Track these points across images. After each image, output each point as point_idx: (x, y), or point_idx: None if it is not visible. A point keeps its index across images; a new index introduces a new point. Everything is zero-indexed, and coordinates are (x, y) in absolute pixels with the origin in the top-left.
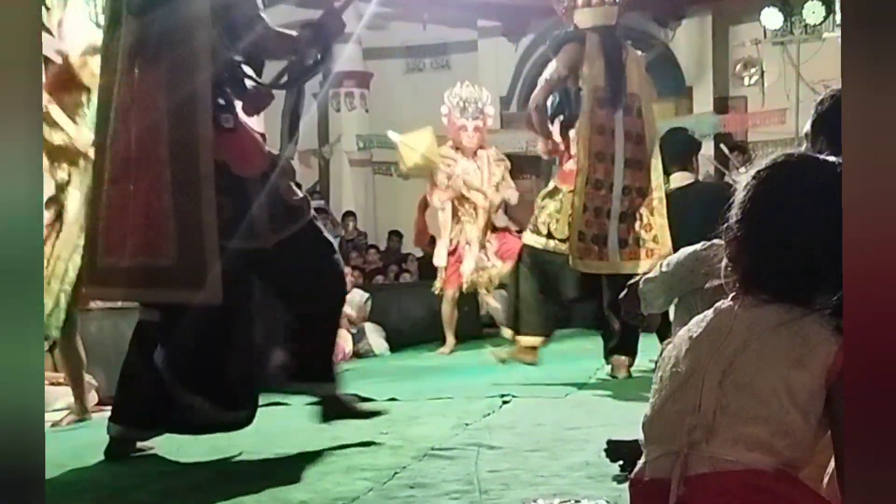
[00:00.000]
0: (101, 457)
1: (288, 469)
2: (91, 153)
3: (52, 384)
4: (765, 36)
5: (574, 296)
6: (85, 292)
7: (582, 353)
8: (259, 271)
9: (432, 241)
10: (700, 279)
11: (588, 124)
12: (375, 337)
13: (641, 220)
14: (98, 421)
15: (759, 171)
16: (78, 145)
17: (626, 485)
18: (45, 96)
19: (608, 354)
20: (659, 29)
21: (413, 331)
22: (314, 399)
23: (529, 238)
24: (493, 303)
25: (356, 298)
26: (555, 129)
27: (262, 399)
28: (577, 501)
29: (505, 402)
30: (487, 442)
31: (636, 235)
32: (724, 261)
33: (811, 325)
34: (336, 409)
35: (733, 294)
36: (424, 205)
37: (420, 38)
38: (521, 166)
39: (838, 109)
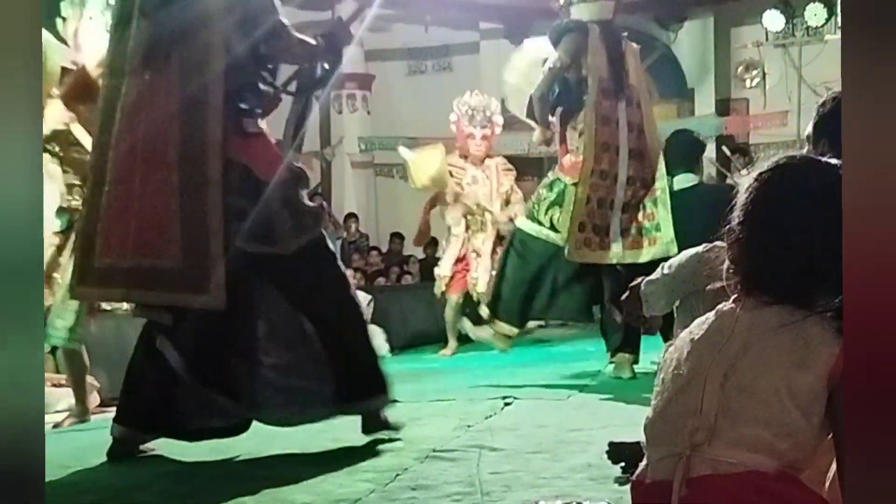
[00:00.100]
0: (103, 458)
1: (289, 470)
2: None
3: (54, 385)
4: (766, 38)
5: (562, 287)
6: (77, 290)
7: (584, 355)
8: (277, 277)
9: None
10: (702, 281)
11: (594, 115)
12: (377, 338)
13: (644, 210)
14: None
15: (760, 174)
16: None
17: (627, 487)
18: (68, 114)
19: (612, 352)
20: (661, 31)
21: (414, 332)
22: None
23: (524, 223)
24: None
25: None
26: (554, 119)
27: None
28: (578, 503)
29: (507, 404)
30: (489, 443)
31: (639, 225)
32: (726, 262)
33: (813, 326)
34: (377, 422)
35: (735, 296)
36: (431, 205)
37: (422, 40)
38: (522, 168)
39: (840, 112)
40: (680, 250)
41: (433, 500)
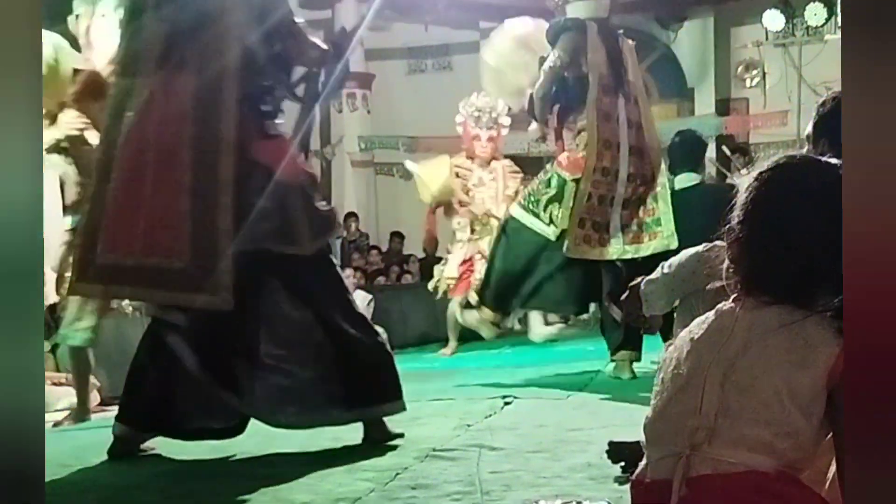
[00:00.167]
0: (103, 457)
1: (289, 469)
2: None
3: (54, 384)
4: (766, 38)
5: (547, 277)
6: (77, 286)
7: (584, 355)
8: (296, 277)
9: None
10: (702, 280)
11: (595, 112)
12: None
13: (645, 206)
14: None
15: (760, 173)
16: None
17: (627, 486)
18: (82, 120)
19: (613, 351)
20: (661, 31)
21: (414, 332)
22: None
23: (518, 212)
24: None
25: (358, 300)
26: (551, 116)
27: None
28: (578, 503)
29: (507, 404)
30: (489, 443)
31: (639, 221)
32: (726, 262)
33: (813, 326)
34: (381, 433)
35: (735, 296)
36: (433, 210)
37: (422, 39)
38: (522, 167)
39: (840, 111)
40: (681, 249)
41: (433, 500)
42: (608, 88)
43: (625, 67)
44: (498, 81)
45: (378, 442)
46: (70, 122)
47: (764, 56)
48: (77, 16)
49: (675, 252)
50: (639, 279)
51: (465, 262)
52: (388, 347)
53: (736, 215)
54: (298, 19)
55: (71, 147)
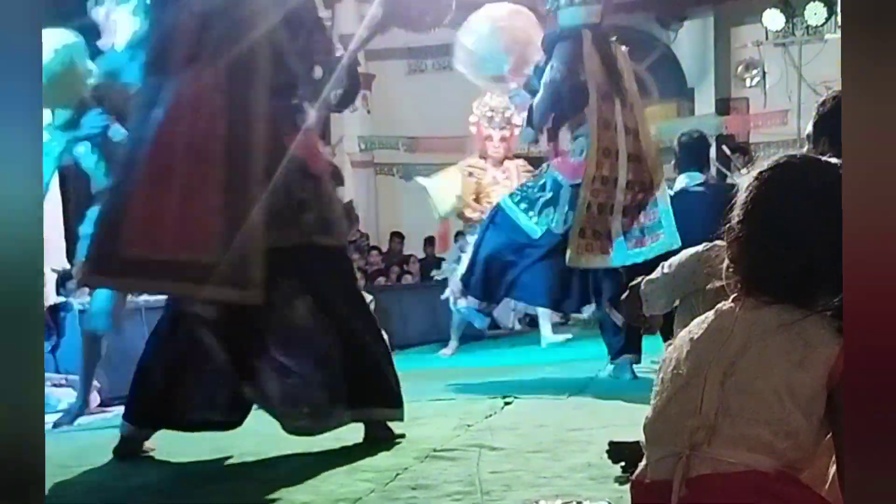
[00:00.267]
0: (102, 458)
1: (290, 470)
2: None
3: (54, 385)
4: (766, 37)
5: (528, 269)
6: (93, 278)
7: (584, 355)
8: (333, 267)
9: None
10: (702, 280)
11: (595, 120)
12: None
13: (645, 211)
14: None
15: (760, 173)
16: None
17: (627, 486)
18: (105, 116)
19: (614, 356)
20: (661, 30)
21: (415, 332)
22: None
23: (508, 204)
24: None
25: None
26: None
27: None
28: (579, 503)
29: (507, 404)
30: (489, 443)
31: (640, 226)
32: (726, 262)
33: (812, 326)
34: (382, 433)
35: (734, 295)
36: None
37: (422, 39)
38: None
39: (840, 111)
40: (684, 248)
41: (433, 500)
42: (606, 96)
43: (620, 74)
44: (473, 64)
45: (378, 442)
46: (93, 118)
47: (764, 55)
48: (97, 1)
49: (677, 251)
50: (639, 279)
51: None
52: (391, 357)
53: (736, 215)
54: (322, 13)
55: (97, 141)
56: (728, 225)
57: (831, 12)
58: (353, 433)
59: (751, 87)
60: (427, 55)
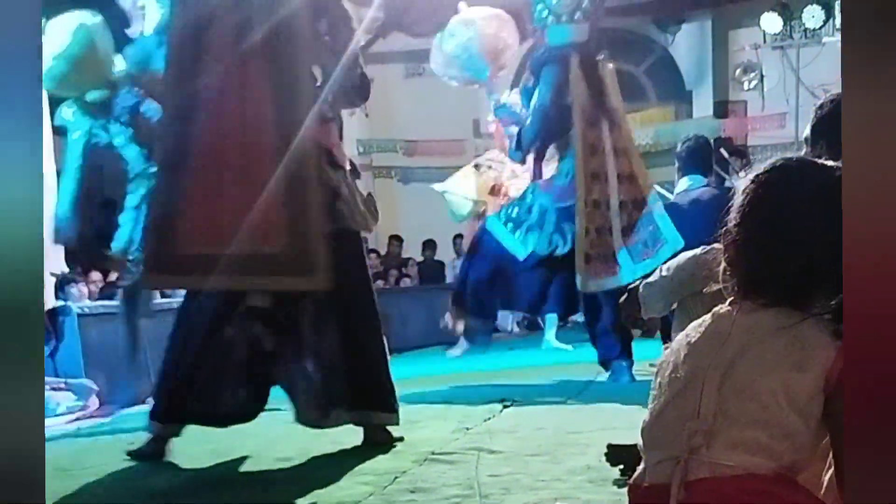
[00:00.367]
0: (102, 459)
1: (289, 473)
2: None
3: (53, 389)
4: (764, 40)
5: (514, 282)
6: (153, 278)
7: (583, 358)
8: (355, 256)
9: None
10: (700, 283)
11: (581, 145)
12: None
13: (644, 226)
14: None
15: (757, 176)
16: None
17: (626, 489)
18: (135, 93)
19: (609, 363)
20: (659, 33)
21: (413, 335)
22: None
23: (495, 226)
24: None
25: None
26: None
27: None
28: None
29: (505, 407)
30: (488, 446)
31: (642, 240)
32: (722, 265)
33: (810, 329)
34: (381, 437)
35: (731, 299)
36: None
37: (419, 42)
38: None
39: (838, 114)
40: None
41: (432, 503)
42: (592, 120)
43: (606, 95)
44: (448, 65)
45: (377, 445)
46: (124, 98)
47: (762, 58)
48: None
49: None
50: (637, 281)
51: None
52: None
53: (732, 218)
54: (347, 5)
55: (129, 120)
56: (725, 228)
57: (829, 15)
58: (352, 436)
59: (749, 90)
60: (424, 59)
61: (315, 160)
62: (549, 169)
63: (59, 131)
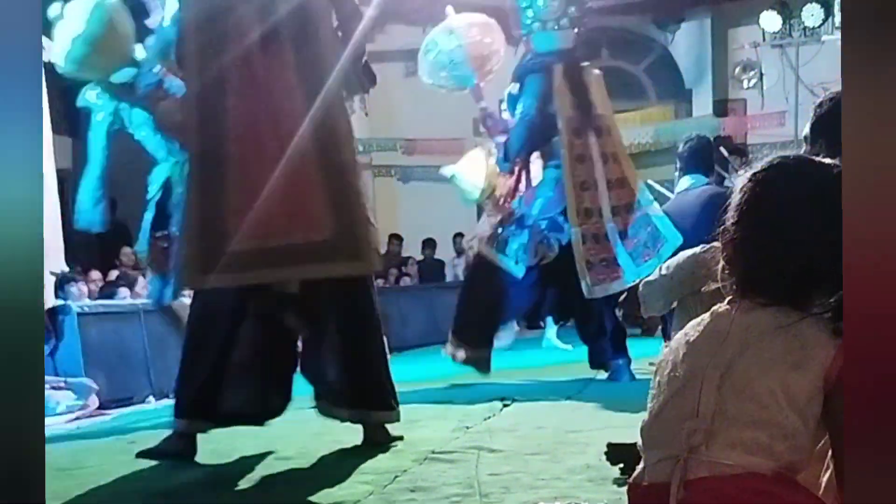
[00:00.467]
0: (101, 460)
1: (289, 473)
2: None
3: (53, 388)
4: (764, 39)
5: (515, 303)
6: (200, 278)
7: (583, 356)
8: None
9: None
10: (699, 282)
11: (568, 156)
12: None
13: (643, 227)
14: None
15: (754, 174)
16: None
17: (626, 488)
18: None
19: (605, 364)
20: (658, 32)
21: (413, 334)
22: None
23: (490, 254)
24: None
25: None
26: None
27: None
28: None
29: (505, 406)
30: (488, 445)
31: (642, 242)
32: (721, 263)
33: (808, 328)
34: (381, 436)
35: (730, 297)
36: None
37: (419, 41)
38: None
39: (837, 112)
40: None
41: (432, 502)
42: (578, 130)
43: (592, 103)
44: (434, 72)
45: (377, 444)
46: (146, 77)
47: (761, 57)
48: None
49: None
50: (637, 281)
51: None
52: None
53: (730, 216)
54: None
55: (150, 99)
56: (723, 227)
57: (828, 13)
58: (352, 435)
59: (748, 88)
60: None
61: (350, 145)
62: (535, 178)
63: (83, 114)
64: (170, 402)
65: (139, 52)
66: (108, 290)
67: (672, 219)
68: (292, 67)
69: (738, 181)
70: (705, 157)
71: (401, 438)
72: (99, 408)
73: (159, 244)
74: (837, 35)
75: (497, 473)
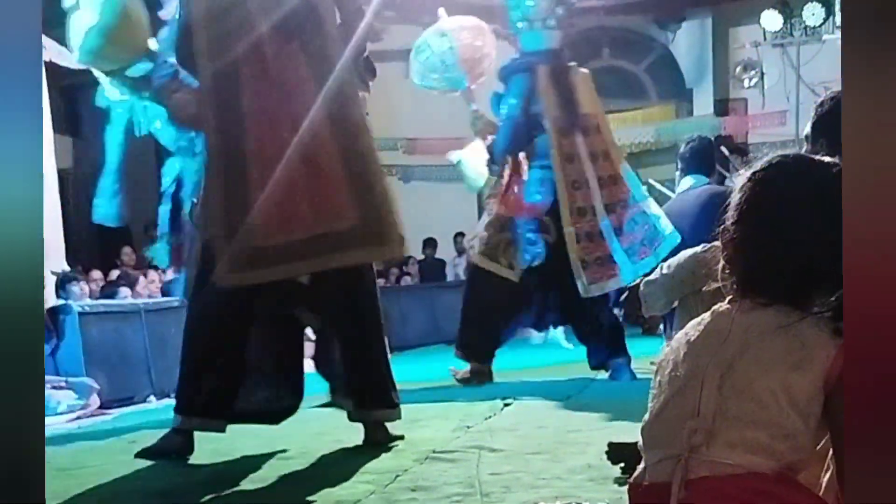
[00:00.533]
0: (101, 460)
1: (290, 472)
2: None
3: (54, 388)
4: (764, 38)
5: (516, 311)
6: (231, 276)
7: (584, 356)
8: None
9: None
10: (700, 281)
11: (558, 156)
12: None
13: (637, 225)
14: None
15: (754, 173)
16: None
17: (627, 487)
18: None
19: (603, 364)
20: (659, 31)
21: (414, 333)
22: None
23: (483, 262)
24: None
25: None
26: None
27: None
28: None
29: (506, 405)
30: (489, 444)
31: (639, 239)
32: (721, 263)
33: (809, 328)
34: (381, 435)
35: (730, 297)
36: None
37: None
38: None
39: (838, 111)
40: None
41: (433, 502)
42: (565, 130)
43: (578, 102)
44: (425, 74)
45: (378, 444)
46: (161, 69)
47: (762, 56)
48: None
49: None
50: (638, 280)
51: None
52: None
53: (730, 216)
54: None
55: (165, 91)
56: (723, 226)
57: (829, 13)
58: (353, 435)
59: (749, 87)
60: None
61: (366, 132)
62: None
63: (94, 112)
64: (171, 401)
65: (153, 44)
66: (108, 290)
67: (672, 218)
68: (303, 60)
69: (738, 180)
70: (706, 157)
71: (401, 438)
72: (100, 407)
73: (177, 237)
74: (838, 34)
75: (498, 473)
